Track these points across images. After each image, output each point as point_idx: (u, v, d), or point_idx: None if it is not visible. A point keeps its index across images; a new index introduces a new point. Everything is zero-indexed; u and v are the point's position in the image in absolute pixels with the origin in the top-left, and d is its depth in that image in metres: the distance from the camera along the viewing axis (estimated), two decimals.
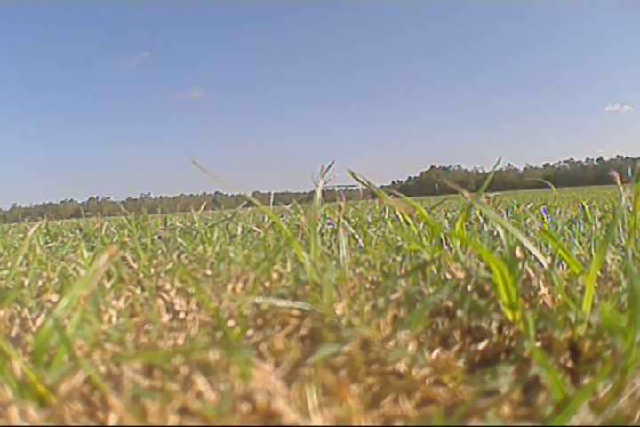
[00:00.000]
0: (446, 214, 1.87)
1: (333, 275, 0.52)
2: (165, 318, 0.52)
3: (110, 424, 0.31)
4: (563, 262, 0.57)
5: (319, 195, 0.72)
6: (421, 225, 0.92)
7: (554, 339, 0.41)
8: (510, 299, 0.44)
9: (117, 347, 0.42)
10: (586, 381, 0.36)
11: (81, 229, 1.90)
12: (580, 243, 0.84)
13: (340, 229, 0.71)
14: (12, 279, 0.71)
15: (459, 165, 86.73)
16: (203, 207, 1.96)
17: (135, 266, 0.79)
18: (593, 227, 1.07)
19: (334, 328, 0.43)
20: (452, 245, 0.72)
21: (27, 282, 0.71)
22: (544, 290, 0.50)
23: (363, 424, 0.31)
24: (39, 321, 0.52)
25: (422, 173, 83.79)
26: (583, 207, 1.31)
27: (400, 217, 1.01)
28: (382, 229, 1.25)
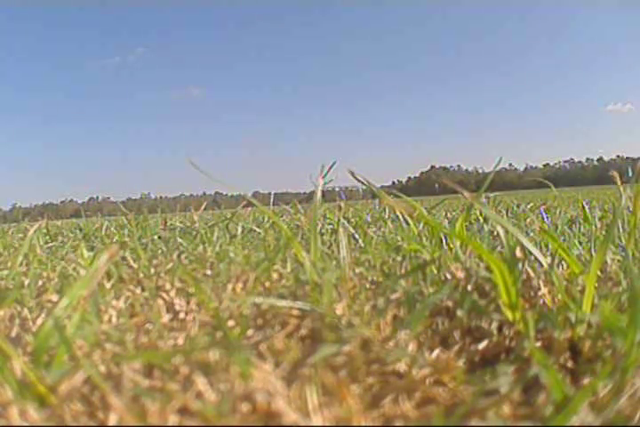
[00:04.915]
0: (446, 214, 1.87)
1: (333, 275, 0.52)
2: (165, 318, 0.52)
3: (110, 424, 0.31)
4: (563, 262, 0.57)
5: (319, 195, 0.72)
6: (421, 225, 0.92)
7: (554, 339, 0.41)
8: (510, 299, 0.44)
9: (117, 347, 0.42)
10: (586, 381, 0.36)
11: (81, 229, 1.90)
12: (580, 243, 0.84)
13: (340, 229, 0.71)
14: (12, 279, 0.71)
15: (459, 165, 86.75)
16: (203, 207, 1.96)
17: (135, 266, 0.79)
18: (593, 227, 1.07)
19: (334, 328, 0.43)
20: (452, 245, 0.72)
21: (27, 282, 0.70)
22: (544, 290, 0.50)
23: (363, 424, 0.31)
24: (39, 321, 0.52)
25: (422, 173, 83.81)
26: (583, 207, 1.31)
27: (400, 217, 1.01)
28: (382, 229, 1.25)
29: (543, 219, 1.31)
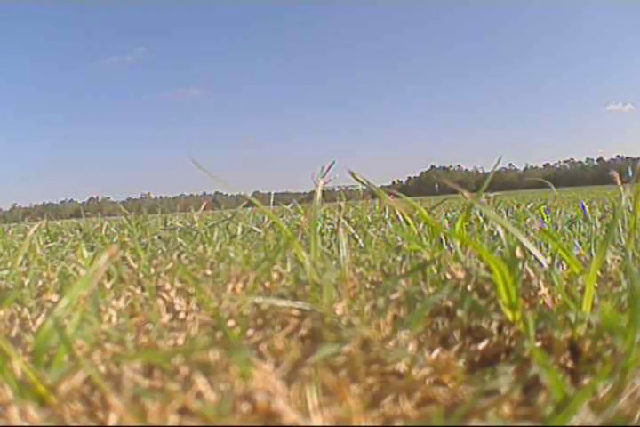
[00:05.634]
0: (446, 214, 1.87)
1: (333, 275, 0.52)
2: (165, 318, 0.52)
3: (110, 424, 0.31)
4: (563, 262, 0.57)
5: (319, 195, 0.72)
6: (421, 225, 0.92)
7: (554, 339, 0.41)
8: (510, 299, 0.44)
9: (117, 347, 0.42)
10: (586, 381, 0.36)
11: (81, 229, 1.91)
12: (580, 243, 0.84)
13: (340, 229, 0.71)
14: (12, 279, 0.71)
15: (459, 165, 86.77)
16: (203, 207, 1.95)
17: (135, 266, 0.79)
18: (593, 227, 1.07)
19: (334, 328, 0.43)
20: (452, 245, 0.72)
21: (27, 282, 0.71)
22: (544, 290, 0.50)
23: (363, 424, 0.31)
24: (39, 321, 0.52)
25: (422, 173, 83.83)
26: (583, 207, 1.31)
27: (400, 217, 1.01)
28: (382, 229, 1.25)
29: (543, 220, 1.31)
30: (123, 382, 0.35)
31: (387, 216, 1.58)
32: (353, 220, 1.49)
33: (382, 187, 0.77)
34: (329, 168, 0.79)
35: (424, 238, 0.80)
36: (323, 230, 1.30)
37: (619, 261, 0.62)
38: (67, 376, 0.34)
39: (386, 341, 0.41)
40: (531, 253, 0.51)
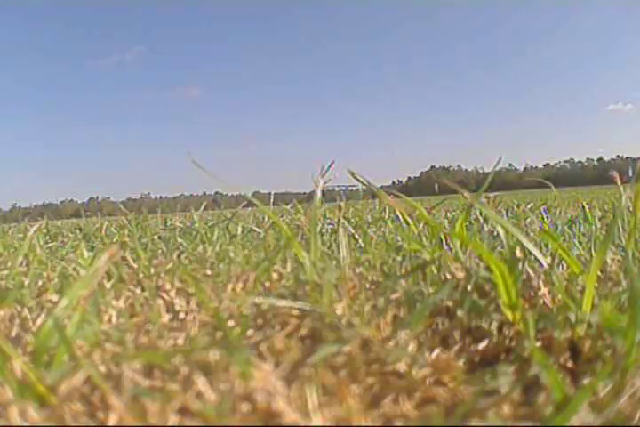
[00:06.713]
0: (446, 214, 1.87)
1: (333, 275, 0.52)
2: (165, 318, 0.52)
3: (110, 424, 0.31)
4: (563, 262, 0.57)
5: (319, 195, 0.72)
6: (421, 225, 0.92)
7: (554, 339, 0.41)
8: (510, 299, 0.44)
9: (117, 347, 0.42)
10: (586, 381, 0.36)
11: (81, 229, 1.91)
12: (580, 243, 0.84)
13: (340, 229, 0.71)
14: (12, 279, 0.71)
15: (459, 165, 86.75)
16: (203, 207, 1.96)
17: (135, 266, 0.79)
18: (593, 227, 1.07)
19: (334, 328, 0.43)
20: (452, 245, 0.72)
21: (27, 282, 0.71)
22: (544, 290, 0.50)
23: (363, 424, 0.31)
24: (39, 321, 0.52)
25: (422, 173, 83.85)
26: (583, 207, 1.31)
27: (400, 217, 1.01)
28: (382, 229, 1.25)
29: (544, 218, 1.31)
30: (123, 382, 0.35)
31: (387, 216, 1.59)
32: (353, 220, 1.49)
33: (382, 187, 0.77)
34: (329, 168, 0.80)
35: (424, 238, 0.80)
36: (323, 230, 1.30)
37: (619, 261, 0.62)
38: (67, 376, 0.34)
39: (386, 341, 0.41)
40: (531, 253, 0.51)
